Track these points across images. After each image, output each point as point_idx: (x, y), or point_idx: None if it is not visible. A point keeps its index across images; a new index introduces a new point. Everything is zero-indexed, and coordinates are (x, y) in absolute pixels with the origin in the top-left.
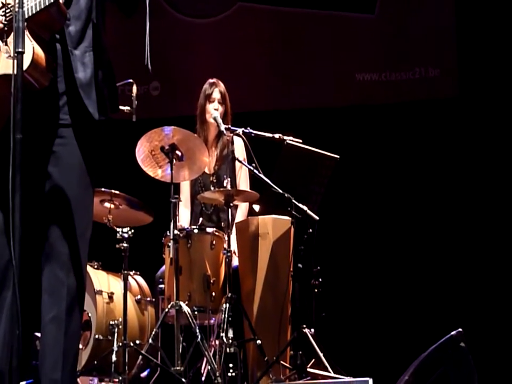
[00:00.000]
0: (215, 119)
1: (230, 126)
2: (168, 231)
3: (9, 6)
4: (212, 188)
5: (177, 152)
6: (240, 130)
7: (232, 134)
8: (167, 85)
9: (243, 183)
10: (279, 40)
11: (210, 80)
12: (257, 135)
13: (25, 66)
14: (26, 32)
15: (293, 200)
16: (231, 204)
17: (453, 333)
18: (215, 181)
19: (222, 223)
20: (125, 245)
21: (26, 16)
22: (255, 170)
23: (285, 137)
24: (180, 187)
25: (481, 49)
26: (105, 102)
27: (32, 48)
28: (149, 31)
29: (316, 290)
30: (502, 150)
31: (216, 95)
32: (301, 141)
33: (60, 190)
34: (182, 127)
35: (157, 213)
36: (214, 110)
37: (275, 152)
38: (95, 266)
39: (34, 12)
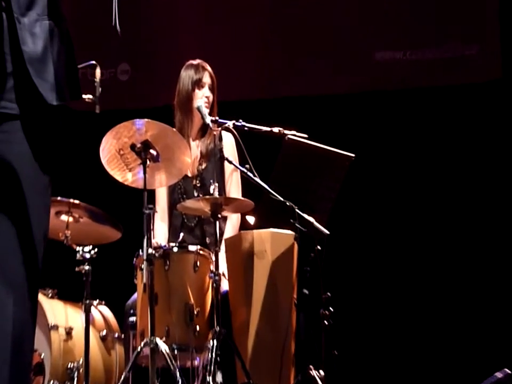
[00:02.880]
0: (198, 109)
1: (217, 118)
2: (140, 250)
3: None
4: (195, 195)
5: (152, 151)
6: (230, 124)
7: (220, 128)
8: (139, 67)
9: (234, 189)
10: (277, 12)
11: (194, 62)
12: (252, 129)
13: None
14: None
15: (297, 210)
16: (219, 215)
17: (499, 375)
18: (199, 185)
19: (208, 239)
20: (87, 267)
21: None
22: (249, 173)
23: (286, 132)
24: (155, 195)
25: None
26: (62, 83)
27: None
28: None
29: (325, 322)
30: None
31: (206, 79)
32: (306, 136)
33: (6, 199)
34: (158, 120)
35: (126, 227)
36: (204, 98)
37: (274, 151)
38: (49, 295)
39: None
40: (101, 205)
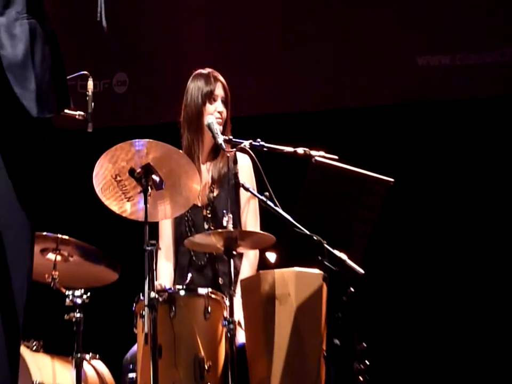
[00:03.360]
0: (209, 126)
1: (231, 137)
2: (141, 294)
3: None
4: (206, 228)
5: (154, 177)
6: (246, 143)
7: (234, 149)
8: (138, 78)
9: (251, 220)
10: (302, 13)
11: (204, 71)
12: (272, 149)
13: None
14: None
15: (326, 245)
16: (234, 252)
17: None
18: (210, 216)
19: (221, 280)
20: (78, 315)
21: None
22: (269, 202)
23: (313, 153)
24: (158, 228)
25: None
26: (48, 92)
27: None
28: None
29: (360, 377)
30: None
31: (219, 91)
32: (336, 157)
33: None
34: (161, 140)
35: (124, 267)
36: (217, 114)
37: (298, 175)
38: (34, 348)
39: None
40: (95, 241)
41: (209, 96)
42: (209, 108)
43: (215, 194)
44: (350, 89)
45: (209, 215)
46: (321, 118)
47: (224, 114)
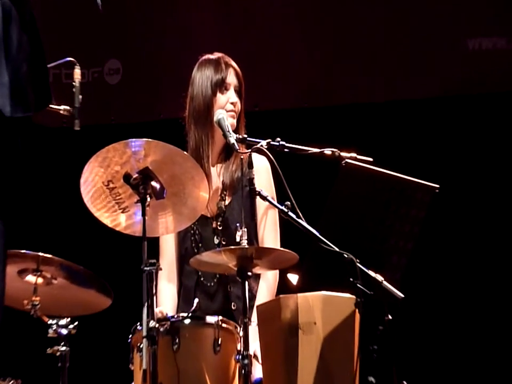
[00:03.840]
0: (219, 122)
1: (245, 135)
2: (138, 324)
3: None
4: (216, 243)
5: (154, 183)
6: (264, 143)
7: (250, 150)
8: (134, 66)
9: (270, 235)
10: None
11: (212, 56)
12: (295, 150)
13: None
14: None
15: (358, 265)
16: (250, 273)
17: None
18: (220, 229)
19: (234, 306)
20: (63, 348)
21: None
22: (291, 213)
23: (343, 154)
24: (159, 245)
25: None
26: (24, 88)
27: None
28: None
29: None
30: None
31: (231, 79)
32: (370, 159)
33: None
34: (161, 139)
35: (118, 291)
36: (229, 105)
37: (326, 181)
38: None
39: None
40: (83, 260)
41: (220, 85)
42: (220, 98)
43: (226, 203)
44: (384, 80)
45: (220, 228)
46: (351, 112)
47: (238, 106)
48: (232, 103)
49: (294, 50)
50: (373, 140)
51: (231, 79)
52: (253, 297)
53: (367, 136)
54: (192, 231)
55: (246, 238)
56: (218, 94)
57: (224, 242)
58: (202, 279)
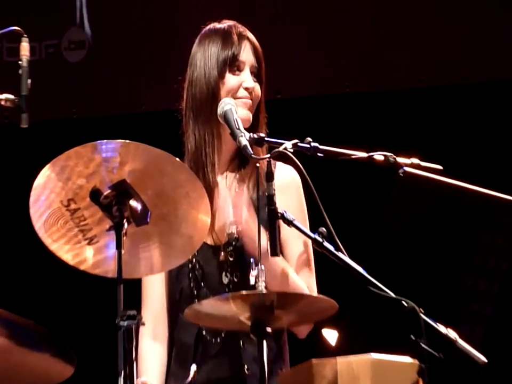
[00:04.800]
0: (225, 116)
1: (263, 135)
2: None
3: None
4: (225, 283)
5: (134, 203)
6: (288, 145)
7: (268, 156)
8: (104, 37)
9: (299, 274)
10: None
11: (220, 25)
12: (332, 155)
13: None
14: None
15: (423, 316)
16: (269, 330)
17: None
18: (231, 261)
19: (247, 371)
20: None
21: None
22: (327, 244)
23: (401, 160)
24: (141, 289)
25: None
26: None
27: None
28: None
29: None
30: None
31: (247, 56)
32: (439, 167)
33: None
34: (144, 140)
35: (83, 355)
36: (242, 91)
37: (375, 197)
38: None
39: None
40: (34, 312)
41: (230, 64)
42: (229, 80)
43: (237, 229)
44: (432, 60)
45: (231, 260)
46: (391, 99)
47: (257, 92)
48: (246, 88)
49: (326, 23)
50: (408, 129)
51: (246, 55)
52: (275, 358)
53: (404, 126)
54: (190, 265)
55: (263, 278)
56: (228, 75)
57: (236, 280)
58: (204, 333)
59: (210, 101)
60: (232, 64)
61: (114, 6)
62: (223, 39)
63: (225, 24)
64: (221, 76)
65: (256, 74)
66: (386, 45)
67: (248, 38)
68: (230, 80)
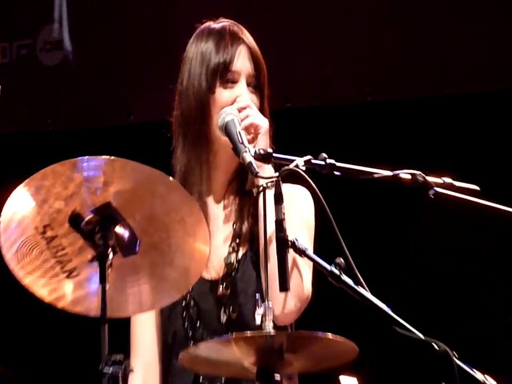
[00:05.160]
0: (226, 127)
1: (270, 150)
2: None
3: None
4: (223, 321)
5: (120, 229)
6: (300, 162)
7: (277, 175)
8: (86, 37)
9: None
10: None
11: (214, 25)
12: (351, 173)
13: None
14: None
15: (456, 360)
16: (278, 377)
17: None
18: (229, 298)
19: None
20: None
21: None
22: (345, 278)
23: (430, 179)
24: (129, 331)
25: None
26: None
27: None
28: None
29: None
30: None
31: (242, 63)
32: (477, 188)
33: None
34: (133, 157)
35: None
36: (229, 107)
37: (401, 222)
38: None
39: None
40: (7, 358)
41: (222, 74)
42: (222, 95)
43: (239, 256)
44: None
45: (228, 296)
46: (418, 108)
47: (255, 106)
48: (241, 105)
49: (342, 22)
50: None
51: (242, 63)
52: None
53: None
54: (184, 303)
55: (271, 317)
56: (219, 89)
57: (233, 318)
58: (202, 380)
59: (199, 120)
60: (224, 76)
61: (95, 2)
62: (215, 43)
63: (220, 23)
64: (211, 89)
65: (254, 84)
66: (413, 47)
67: (243, 41)
68: (222, 95)
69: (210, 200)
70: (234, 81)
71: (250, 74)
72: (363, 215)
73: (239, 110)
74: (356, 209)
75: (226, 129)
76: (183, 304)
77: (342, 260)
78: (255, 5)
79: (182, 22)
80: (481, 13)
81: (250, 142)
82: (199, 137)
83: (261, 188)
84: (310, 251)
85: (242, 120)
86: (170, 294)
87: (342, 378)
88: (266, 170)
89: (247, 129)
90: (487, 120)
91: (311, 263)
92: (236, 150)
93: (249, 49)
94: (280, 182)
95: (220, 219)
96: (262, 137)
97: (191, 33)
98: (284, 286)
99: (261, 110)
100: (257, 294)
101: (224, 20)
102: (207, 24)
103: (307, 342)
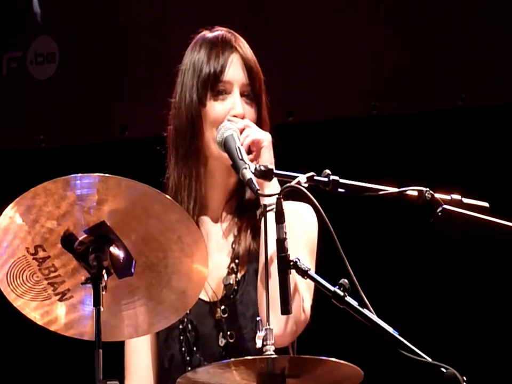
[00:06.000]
0: (225, 143)
1: (271, 166)
2: None
3: None
4: (221, 346)
5: (115, 250)
6: (302, 179)
7: (278, 192)
8: (78, 50)
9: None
10: None
11: (209, 34)
12: (356, 190)
13: None
14: None
15: None
16: None
17: None
18: (227, 322)
19: None
20: None
21: None
22: (349, 299)
23: (438, 196)
24: (124, 355)
25: None
26: None
27: None
28: None
29: None
30: None
31: (235, 72)
32: (486, 204)
33: None
34: (128, 174)
35: None
36: (229, 122)
37: (408, 240)
38: None
39: None
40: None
41: (212, 86)
42: (214, 108)
43: (238, 277)
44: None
45: (227, 319)
46: (425, 121)
47: (252, 128)
48: (234, 116)
49: (347, 34)
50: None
51: (233, 73)
52: None
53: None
54: (181, 326)
55: (273, 341)
56: (210, 102)
57: (231, 341)
58: None
59: (189, 134)
60: (214, 87)
61: (88, 13)
62: (208, 50)
63: (214, 32)
64: (202, 102)
65: (249, 94)
66: (421, 58)
67: (236, 49)
68: (214, 108)
69: (206, 219)
70: (226, 92)
71: (244, 84)
72: (368, 233)
73: (236, 116)
74: (361, 228)
75: (225, 145)
76: (181, 327)
77: (346, 280)
78: (258, 19)
79: (179, 36)
80: (490, 25)
81: (253, 159)
82: (190, 153)
83: (265, 209)
84: (312, 271)
85: (243, 141)
86: (167, 317)
87: None
88: (272, 185)
89: (249, 147)
90: (496, 133)
91: (312, 284)
92: (235, 167)
93: (242, 57)
94: (282, 200)
95: (218, 238)
96: (265, 150)
97: (187, 47)
98: (286, 309)
99: (259, 119)
100: (257, 318)
101: (219, 28)
102: (202, 33)
103: (310, 366)
